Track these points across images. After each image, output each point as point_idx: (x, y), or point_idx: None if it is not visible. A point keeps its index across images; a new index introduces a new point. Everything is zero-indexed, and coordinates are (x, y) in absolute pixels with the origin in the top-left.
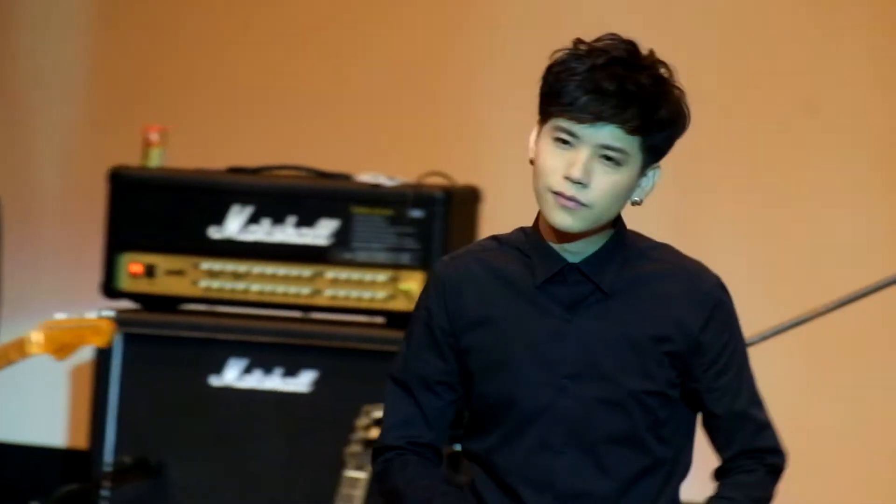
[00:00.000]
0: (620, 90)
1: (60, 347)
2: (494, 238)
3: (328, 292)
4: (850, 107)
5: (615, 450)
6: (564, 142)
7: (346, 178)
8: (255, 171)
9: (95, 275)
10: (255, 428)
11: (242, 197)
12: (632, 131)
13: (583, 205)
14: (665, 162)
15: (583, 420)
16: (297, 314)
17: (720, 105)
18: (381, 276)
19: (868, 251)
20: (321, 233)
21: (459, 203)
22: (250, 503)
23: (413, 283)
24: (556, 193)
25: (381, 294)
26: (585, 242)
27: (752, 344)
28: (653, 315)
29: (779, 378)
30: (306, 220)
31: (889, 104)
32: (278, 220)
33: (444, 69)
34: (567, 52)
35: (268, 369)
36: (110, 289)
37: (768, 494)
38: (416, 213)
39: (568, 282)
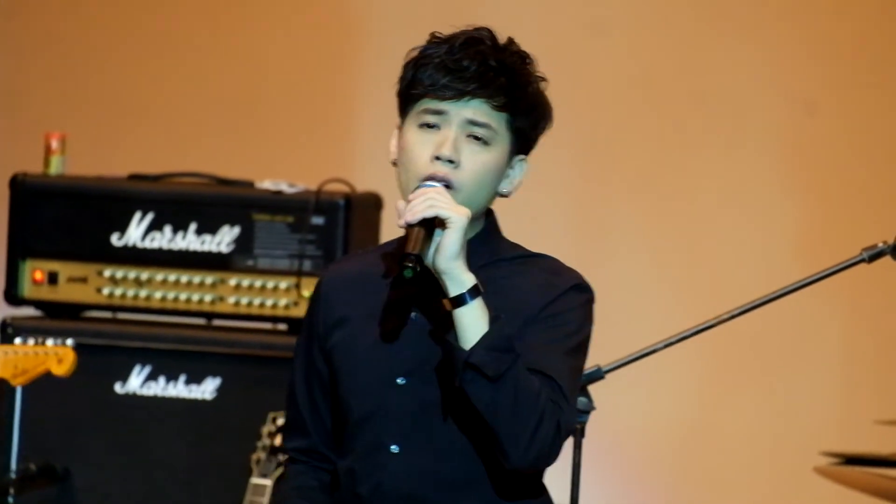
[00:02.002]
0: (483, 65)
1: (20, 373)
2: (393, 240)
3: (231, 299)
4: (751, 112)
5: (449, 449)
6: (430, 126)
7: (247, 185)
8: (157, 179)
9: None
10: (160, 435)
11: (144, 204)
12: (498, 107)
13: (452, 188)
14: (570, 167)
15: (414, 419)
16: (200, 321)
17: (622, 108)
18: (284, 283)
19: (771, 256)
20: (223, 240)
21: (360, 209)
22: None
23: None
24: (426, 180)
25: (283, 301)
26: None
27: (656, 350)
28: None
29: (681, 382)
30: (208, 227)
31: (793, 111)
32: (180, 227)
33: (346, 77)
34: (423, 45)
35: (172, 376)
36: (13, 296)
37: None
38: (318, 220)
39: (421, 278)
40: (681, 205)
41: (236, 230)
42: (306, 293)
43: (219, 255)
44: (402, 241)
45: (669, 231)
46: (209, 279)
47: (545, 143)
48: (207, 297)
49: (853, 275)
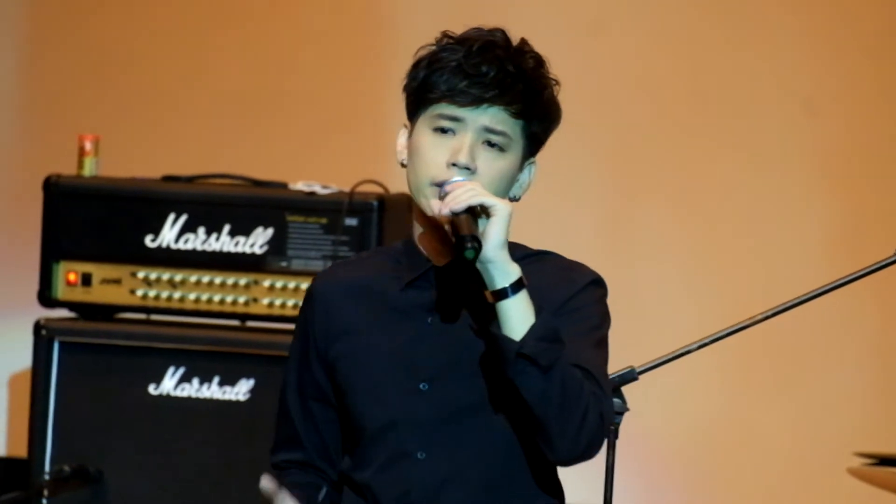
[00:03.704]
0: (501, 71)
1: None
2: (377, 248)
3: (264, 300)
4: (784, 116)
5: (476, 452)
6: (444, 130)
7: (280, 186)
8: (190, 180)
9: (34, 284)
10: (193, 436)
11: (177, 206)
12: (515, 114)
13: None
14: (600, 169)
15: (440, 425)
16: (234, 323)
17: (653, 110)
18: None
19: (802, 256)
20: (256, 241)
21: (393, 211)
22: None
23: None
24: (440, 185)
25: None
26: None
27: (690, 351)
28: None
29: (712, 384)
30: (241, 229)
31: (823, 115)
32: (213, 228)
33: (379, 77)
34: (434, 46)
35: (205, 378)
36: (47, 297)
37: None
38: (351, 222)
39: (433, 284)
40: (710, 207)
41: (270, 231)
42: None
43: (252, 256)
44: (405, 246)
45: (699, 232)
46: (243, 280)
47: (575, 149)
48: (241, 299)
49: (886, 273)
